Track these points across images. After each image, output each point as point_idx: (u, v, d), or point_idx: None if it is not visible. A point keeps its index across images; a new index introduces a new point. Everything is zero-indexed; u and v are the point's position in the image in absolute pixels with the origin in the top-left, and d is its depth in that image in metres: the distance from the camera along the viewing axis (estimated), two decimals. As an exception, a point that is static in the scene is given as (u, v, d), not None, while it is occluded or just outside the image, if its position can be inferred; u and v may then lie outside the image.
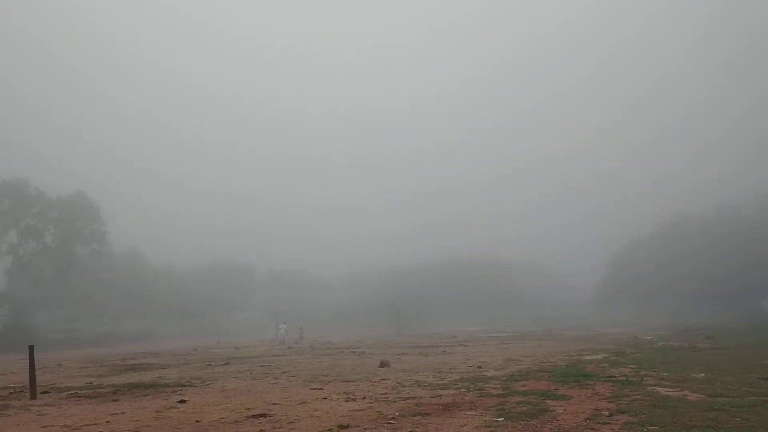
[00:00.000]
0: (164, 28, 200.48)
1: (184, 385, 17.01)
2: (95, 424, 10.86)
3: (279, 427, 9.82)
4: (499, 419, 9.90)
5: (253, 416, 10.95)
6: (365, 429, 9.51)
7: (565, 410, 10.50)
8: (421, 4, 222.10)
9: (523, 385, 13.96)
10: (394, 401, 12.23)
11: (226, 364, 25.45)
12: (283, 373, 19.88)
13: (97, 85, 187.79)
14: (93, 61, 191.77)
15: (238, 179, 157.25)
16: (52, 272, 74.66)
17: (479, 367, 19.19)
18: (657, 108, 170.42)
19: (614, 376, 14.90)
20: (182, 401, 13.42)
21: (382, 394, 13.44)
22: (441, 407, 11.30)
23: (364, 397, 12.93)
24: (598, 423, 9.30)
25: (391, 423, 9.91)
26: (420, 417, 10.35)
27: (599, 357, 21.27)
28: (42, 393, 16.15)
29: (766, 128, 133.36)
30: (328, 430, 9.51)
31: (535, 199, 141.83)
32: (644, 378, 14.35)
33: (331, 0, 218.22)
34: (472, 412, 10.66)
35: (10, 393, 16.92)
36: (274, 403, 12.50)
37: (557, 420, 9.68)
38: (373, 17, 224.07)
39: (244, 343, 50.06)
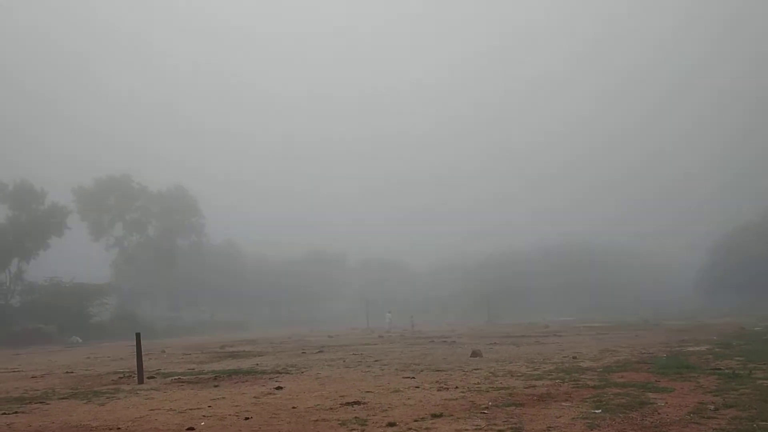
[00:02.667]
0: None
1: (280, 372, 17.50)
2: (198, 408, 11.34)
3: (373, 415, 9.94)
4: (596, 411, 9.64)
5: (348, 403, 11.13)
6: (458, 418, 9.48)
7: (667, 403, 10.10)
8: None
9: (621, 377, 13.53)
10: (487, 391, 12.13)
11: (320, 352, 26.00)
12: (376, 361, 20.10)
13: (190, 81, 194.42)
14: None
15: (314, 173, 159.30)
16: (155, 263, 78.41)
17: (574, 357, 18.75)
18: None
19: (720, 369, 14.19)
20: (279, 388, 13.80)
21: (475, 383, 13.37)
22: (535, 398, 11.12)
23: (457, 387, 12.89)
24: (703, 417, 8.88)
25: (484, 413, 9.84)
26: (514, 407, 10.23)
27: (702, 348, 20.33)
28: (148, 378, 17.00)
29: None
30: (422, 418, 9.54)
31: (616, 179, 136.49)
32: (753, 371, 13.58)
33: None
34: (567, 404, 10.43)
35: (120, 377, 17.93)
36: (368, 391, 12.66)
37: (659, 413, 9.32)
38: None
39: (337, 331, 50.98)
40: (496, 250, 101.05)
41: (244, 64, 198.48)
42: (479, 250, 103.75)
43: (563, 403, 10.48)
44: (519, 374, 14.85)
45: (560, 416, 9.37)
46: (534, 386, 12.59)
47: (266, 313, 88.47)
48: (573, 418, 9.17)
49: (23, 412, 11.57)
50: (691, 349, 20.48)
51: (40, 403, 12.86)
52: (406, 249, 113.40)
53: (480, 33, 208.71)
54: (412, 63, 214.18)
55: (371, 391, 12.64)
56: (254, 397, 12.57)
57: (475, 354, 20.53)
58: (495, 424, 8.90)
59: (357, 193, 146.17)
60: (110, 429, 9.66)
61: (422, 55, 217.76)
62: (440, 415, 9.71)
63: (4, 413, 11.55)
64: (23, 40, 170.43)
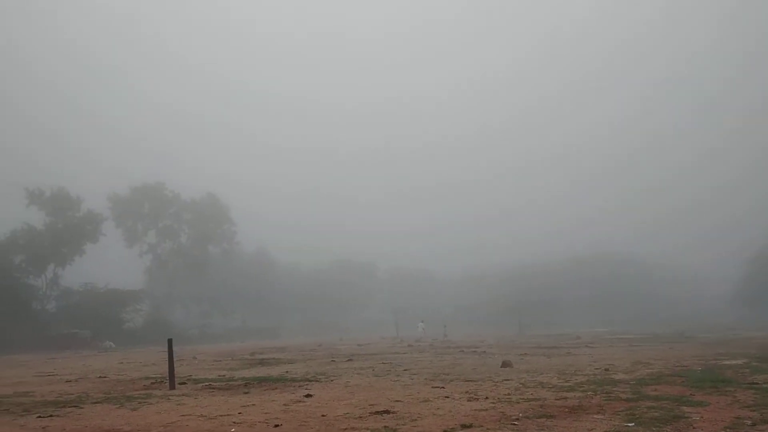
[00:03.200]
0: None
1: (310, 380, 17.54)
2: (228, 414, 11.42)
3: (402, 425, 9.90)
4: (629, 425, 9.48)
5: (377, 412, 11.11)
6: (489, 429, 9.40)
7: (702, 417, 9.89)
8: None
9: (655, 390, 13.29)
10: (518, 402, 12.01)
11: (349, 360, 26.02)
12: (405, 370, 20.04)
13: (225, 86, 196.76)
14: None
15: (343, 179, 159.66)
16: (187, 270, 79.39)
17: (606, 369, 18.48)
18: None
19: (757, 383, 13.86)
20: (308, 395, 13.84)
21: (505, 394, 13.25)
22: (567, 410, 10.98)
23: (487, 397, 12.79)
24: (740, 432, 8.70)
25: (515, 424, 9.74)
26: (545, 419, 10.11)
27: (739, 362, 19.87)
28: (180, 384, 17.18)
29: None
30: (451, 429, 9.48)
31: (651, 188, 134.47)
32: (792, 386, 13.26)
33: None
34: (599, 416, 10.28)
35: (152, 383, 18.14)
36: (397, 400, 12.62)
37: (693, 427, 9.14)
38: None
39: (366, 340, 50.99)
40: (526, 259, 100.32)
41: (270, 73, 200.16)
42: (509, 259, 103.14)
43: (595, 416, 10.33)
44: (550, 386, 14.68)
45: (592, 429, 9.23)
46: (565, 398, 12.43)
47: (296, 320, 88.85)
48: (605, 431, 9.03)
49: (58, 416, 11.77)
50: (727, 362, 20.04)
51: (75, 407, 13.07)
52: (433, 258, 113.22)
53: (516, 37, 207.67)
54: (441, 70, 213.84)
55: (400, 401, 12.61)
56: (284, 404, 12.62)
57: (505, 364, 20.35)
58: (526, 436, 8.81)
59: (385, 201, 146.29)
60: (142, 434, 9.78)
61: (452, 62, 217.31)
62: (470, 426, 9.64)
63: (40, 416, 11.76)
64: (66, 52, 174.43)
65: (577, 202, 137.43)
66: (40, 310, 61.90)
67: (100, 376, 21.22)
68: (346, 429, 9.69)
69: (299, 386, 16.05)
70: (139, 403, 13.47)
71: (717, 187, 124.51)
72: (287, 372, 20.71)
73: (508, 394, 13.20)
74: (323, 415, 10.98)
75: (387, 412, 11.13)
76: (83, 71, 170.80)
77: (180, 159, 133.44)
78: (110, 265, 70.56)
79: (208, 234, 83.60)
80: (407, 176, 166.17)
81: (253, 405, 12.62)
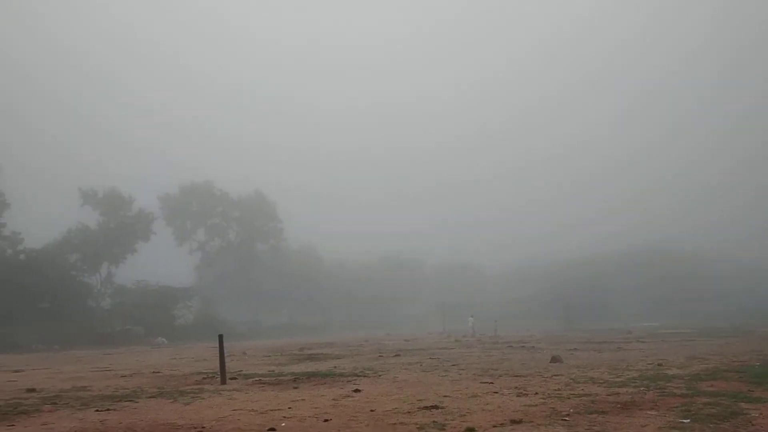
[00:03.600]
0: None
1: (358, 375, 17.62)
2: (279, 409, 11.55)
3: (451, 420, 9.86)
4: (684, 421, 9.26)
5: (425, 407, 11.09)
6: (539, 425, 9.30)
7: (761, 414, 9.59)
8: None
9: (711, 386, 12.96)
10: (568, 398, 11.85)
11: (397, 355, 26.05)
12: (453, 365, 19.98)
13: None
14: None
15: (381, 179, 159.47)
16: (235, 267, 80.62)
17: (659, 364, 18.09)
18: None
19: (819, 379, 13.40)
20: (357, 390, 13.90)
21: (555, 390, 13.08)
22: (619, 406, 10.78)
23: (537, 393, 12.65)
24: (803, 429, 8.40)
25: (565, 420, 9.61)
26: (596, 415, 9.95)
27: (800, 357, 19.24)
28: (231, 379, 17.44)
29: None
30: (501, 424, 9.40)
31: (712, 183, 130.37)
32: None
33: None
34: (653, 412, 10.06)
35: (203, 378, 18.48)
36: (445, 396, 12.58)
37: (753, 424, 8.86)
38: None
39: (413, 335, 50.99)
40: (575, 253, 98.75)
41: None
42: (557, 253, 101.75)
43: (649, 412, 10.11)
44: (601, 381, 14.44)
45: (646, 425, 9.05)
46: (617, 393, 12.21)
47: (343, 316, 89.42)
48: (659, 428, 8.84)
49: (114, 410, 12.07)
50: (786, 357, 19.42)
51: (130, 401, 13.39)
52: (480, 252, 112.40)
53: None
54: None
55: (449, 396, 12.56)
56: (333, 399, 12.71)
57: (554, 359, 20.12)
58: (577, 432, 8.69)
59: (429, 197, 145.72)
60: (195, 428, 9.96)
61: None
62: (520, 421, 9.55)
63: (97, 410, 12.08)
64: (131, 48, 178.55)
65: (624, 194, 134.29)
66: (95, 307, 63.64)
67: (153, 372, 21.70)
68: (395, 424, 9.71)
69: (347, 381, 16.13)
70: (192, 397, 13.73)
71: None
72: (335, 367, 20.84)
73: (558, 390, 13.04)
74: (372, 410, 11.01)
75: (435, 407, 11.11)
76: (143, 67, 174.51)
77: (226, 161, 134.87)
78: (161, 262, 72.09)
79: (255, 231, 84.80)
80: (452, 170, 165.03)
81: (303, 400, 12.74)
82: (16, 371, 24.36)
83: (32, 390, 16.16)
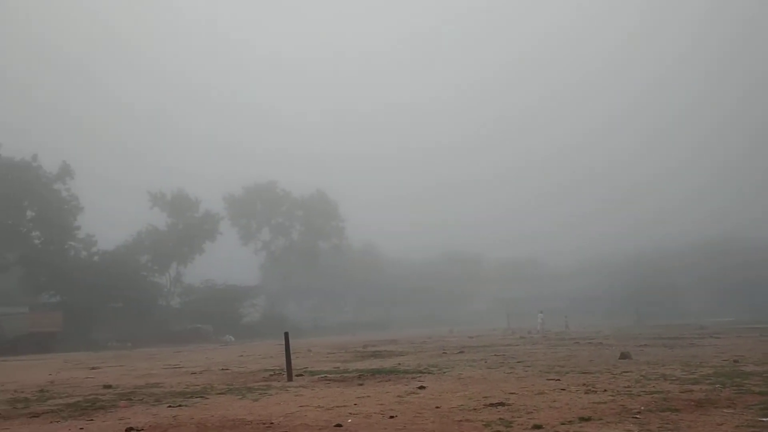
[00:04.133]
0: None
1: (422, 372, 17.61)
2: (344, 405, 11.65)
3: (518, 417, 9.74)
4: (764, 419, 8.89)
5: (491, 404, 10.99)
6: (608, 422, 9.09)
7: None
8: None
9: (792, 383, 12.41)
10: (639, 395, 11.54)
11: (461, 352, 25.92)
12: (518, 362, 19.74)
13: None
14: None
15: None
16: (299, 266, 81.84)
17: (735, 361, 17.43)
18: None
19: None
20: (422, 387, 13.89)
21: (625, 387, 12.76)
22: (693, 403, 10.43)
23: (605, 390, 12.37)
24: None
25: (636, 418, 9.36)
26: (669, 413, 9.65)
27: None
28: (297, 375, 17.70)
29: None
30: (569, 421, 9.23)
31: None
32: None
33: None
34: (730, 410, 9.70)
35: (270, 375, 18.81)
36: (511, 393, 12.44)
37: (838, 423, 8.45)
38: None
39: (477, 332, 50.65)
40: (645, 247, 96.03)
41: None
42: (625, 247, 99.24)
43: (725, 410, 9.75)
44: (673, 378, 14.01)
45: (722, 423, 8.73)
46: (691, 391, 11.82)
47: (405, 313, 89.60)
48: (737, 426, 8.51)
49: (186, 406, 12.41)
50: None
51: (200, 397, 13.75)
52: (543, 247, 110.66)
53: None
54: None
55: (515, 393, 12.42)
56: (398, 396, 12.73)
57: (624, 356, 19.63)
58: (649, 430, 8.45)
59: (484, 189, 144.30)
60: (264, 423, 10.13)
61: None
62: (589, 419, 9.35)
63: (170, 406, 12.46)
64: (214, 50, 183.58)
65: (699, 187, 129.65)
66: (165, 306, 65.73)
67: (222, 369, 22.22)
68: (461, 421, 9.65)
69: (412, 378, 16.14)
70: (260, 394, 13.99)
71: None
72: (399, 364, 20.89)
73: (629, 387, 12.72)
74: (437, 407, 10.98)
75: (501, 404, 10.99)
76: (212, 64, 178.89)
77: (289, 160, 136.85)
78: (227, 262, 73.83)
79: (318, 230, 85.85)
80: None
81: (368, 396, 12.81)
82: (93, 368, 25.38)
83: (109, 386, 16.79)
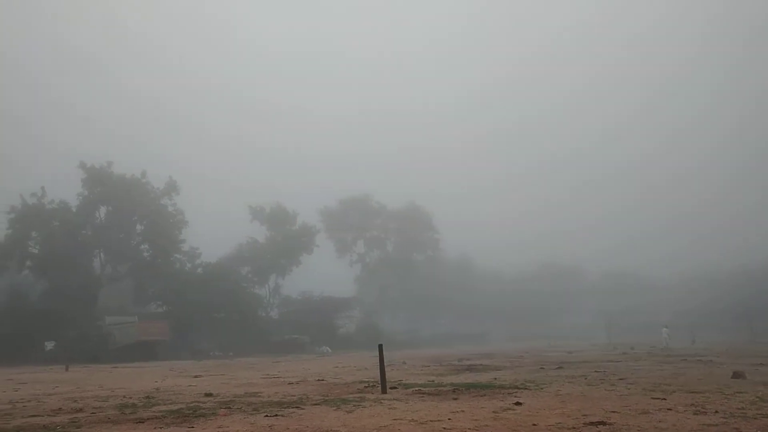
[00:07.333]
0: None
1: (519, 388, 17.15)
2: (438, 420, 11.46)
3: (620, 438, 9.28)
4: None
5: (591, 423, 10.52)
6: (721, 447, 8.50)
7: None
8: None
9: None
10: (755, 417, 10.75)
11: (559, 368, 25.15)
12: (620, 379, 18.91)
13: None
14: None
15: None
16: (394, 278, 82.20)
17: None
18: None
19: None
20: (518, 403, 13.51)
21: (739, 408, 11.93)
22: (817, 429, 9.61)
23: (717, 411, 11.60)
24: None
25: (752, 442, 8.71)
26: (790, 438, 8.93)
27: None
28: (391, 388, 17.61)
29: None
30: (677, 444, 8.70)
31: None
32: None
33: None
34: None
35: (365, 387, 18.84)
36: (613, 411, 11.88)
37: None
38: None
39: (576, 347, 49.09)
40: (755, 259, 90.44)
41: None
42: (733, 259, 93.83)
43: None
44: (793, 400, 13.00)
45: None
46: (814, 415, 10.91)
47: (501, 326, 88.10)
48: None
49: (282, 416, 12.58)
50: None
51: (296, 407, 13.91)
52: (645, 261, 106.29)
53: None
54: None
55: (617, 411, 11.85)
56: (493, 411, 12.42)
57: (737, 375, 18.44)
58: (767, 457, 7.83)
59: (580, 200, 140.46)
60: (357, 436, 10.11)
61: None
62: (699, 442, 8.78)
63: (266, 415, 12.66)
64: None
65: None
66: (264, 317, 67.47)
67: (318, 379, 22.49)
68: (559, 440, 9.29)
69: (508, 393, 15.74)
70: (354, 406, 14.00)
71: None
72: (495, 379, 20.47)
73: (742, 409, 11.88)
74: (534, 425, 10.62)
75: (603, 423, 10.50)
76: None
77: (383, 173, 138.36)
78: (323, 274, 75.10)
79: (412, 242, 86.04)
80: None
81: (463, 411, 12.57)
82: (196, 376, 26.32)
83: (209, 394, 17.31)
